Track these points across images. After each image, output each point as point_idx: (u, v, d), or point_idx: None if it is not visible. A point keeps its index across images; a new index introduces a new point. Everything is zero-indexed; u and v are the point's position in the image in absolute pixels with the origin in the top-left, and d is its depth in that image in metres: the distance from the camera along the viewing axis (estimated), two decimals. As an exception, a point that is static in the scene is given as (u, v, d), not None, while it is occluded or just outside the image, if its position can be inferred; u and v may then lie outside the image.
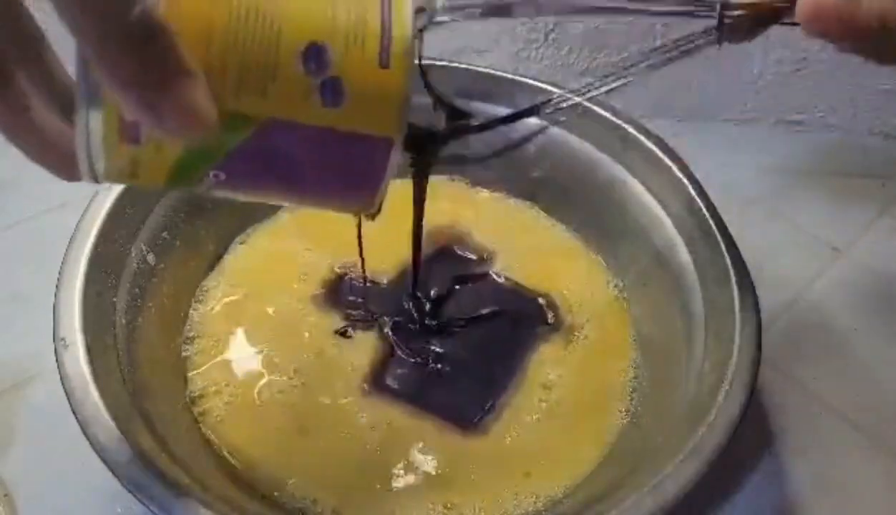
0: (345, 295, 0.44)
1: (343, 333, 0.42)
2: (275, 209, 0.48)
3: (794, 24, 0.28)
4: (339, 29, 0.24)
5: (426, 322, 0.43)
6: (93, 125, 0.23)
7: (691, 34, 0.30)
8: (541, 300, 0.45)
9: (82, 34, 0.20)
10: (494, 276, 0.46)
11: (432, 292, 0.44)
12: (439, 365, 0.41)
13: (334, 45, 0.24)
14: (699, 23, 0.30)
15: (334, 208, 0.28)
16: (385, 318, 0.43)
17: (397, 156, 0.26)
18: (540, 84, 0.48)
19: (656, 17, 0.30)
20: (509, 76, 0.48)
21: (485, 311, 0.44)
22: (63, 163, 0.25)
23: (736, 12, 0.29)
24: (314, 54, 0.24)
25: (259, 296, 0.44)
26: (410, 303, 0.43)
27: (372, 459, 0.38)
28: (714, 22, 0.29)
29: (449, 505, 0.36)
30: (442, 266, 0.46)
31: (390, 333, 0.42)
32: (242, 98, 0.23)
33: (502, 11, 0.31)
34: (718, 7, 0.29)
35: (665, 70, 0.58)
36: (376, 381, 0.40)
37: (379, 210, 0.28)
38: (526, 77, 0.48)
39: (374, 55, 0.24)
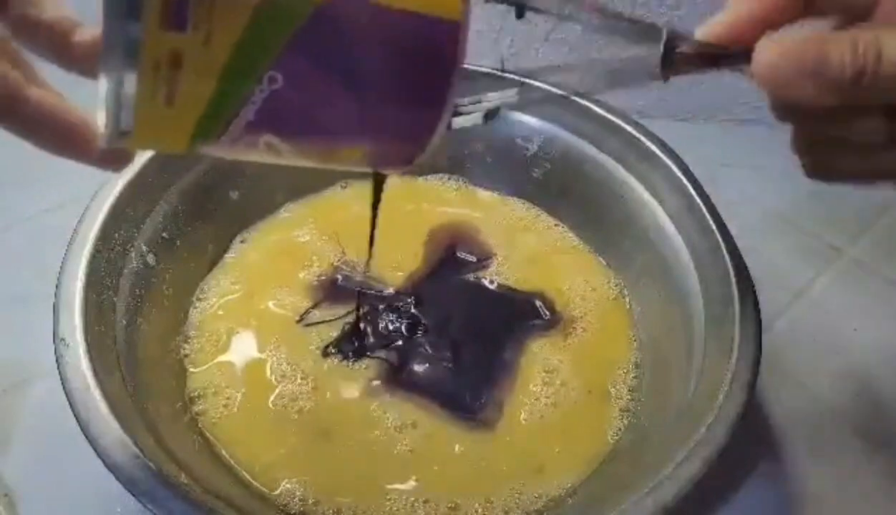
0: (345, 298, 0.44)
1: (337, 349, 0.42)
2: (275, 207, 0.48)
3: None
4: None
5: (425, 329, 0.43)
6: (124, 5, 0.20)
7: (636, 64, 0.28)
8: (537, 301, 0.45)
9: None
10: (493, 279, 0.46)
11: (433, 300, 0.45)
12: (442, 365, 0.41)
13: None
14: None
15: (391, 140, 0.26)
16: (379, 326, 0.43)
17: (464, 49, 0.24)
18: (540, 84, 0.48)
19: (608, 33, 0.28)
20: (509, 76, 0.48)
21: (483, 314, 0.44)
22: (73, 129, 0.24)
23: (682, 49, 0.26)
24: None
25: (260, 295, 0.44)
26: (411, 315, 0.44)
27: (374, 459, 0.38)
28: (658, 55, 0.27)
29: (451, 506, 0.36)
30: (442, 270, 0.46)
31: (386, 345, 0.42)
32: None
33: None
34: (663, 42, 0.26)
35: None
36: (380, 381, 0.40)
37: (429, 152, 0.26)
38: (526, 77, 0.48)
39: None
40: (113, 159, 0.26)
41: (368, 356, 0.41)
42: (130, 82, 0.21)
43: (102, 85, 0.21)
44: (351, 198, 0.49)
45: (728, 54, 0.27)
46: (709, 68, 0.27)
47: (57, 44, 0.26)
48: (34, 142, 0.25)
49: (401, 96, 0.24)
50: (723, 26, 0.27)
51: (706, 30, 0.27)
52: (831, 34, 0.25)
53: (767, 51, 0.25)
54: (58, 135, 0.25)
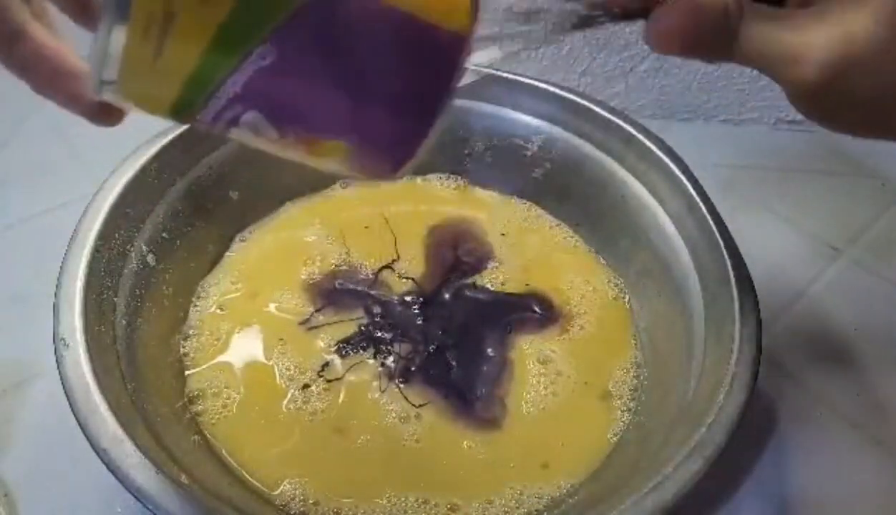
0: (346, 300, 0.44)
1: (344, 349, 0.42)
2: (275, 207, 0.48)
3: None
4: None
5: (428, 329, 0.43)
6: None
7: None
8: (537, 300, 0.45)
9: None
10: (493, 279, 0.46)
11: (434, 301, 0.45)
12: (446, 365, 0.41)
13: None
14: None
15: (377, 144, 0.25)
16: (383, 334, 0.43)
17: (464, 66, 0.24)
18: (540, 84, 0.48)
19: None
20: (509, 76, 0.48)
21: (483, 314, 0.44)
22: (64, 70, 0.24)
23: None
24: None
25: (261, 295, 0.44)
26: (413, 316, 0.44)
27: (374, 461, 0.38)
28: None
29: (451, 506, 0.36)
30: (442, 270, 0.46)
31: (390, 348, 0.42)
32: None
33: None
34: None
35: (667, 70, 0.57)
36: (387, 379, 0.41)
37: (413, 163, 0.25)
38: (526, 77, 0.48)
39: None
40: (103, 113, 0.26)
41: (373, 356, 0.41)
42: (120, 31, 0.20)
43: (96, 33, 0.21)
44: (351, 198, 0.49)
45: (630, 15, 0.29)
46: (611, 24, 0.30)
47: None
48: (27, 80, 0.25)
49: (393, 99, 0.24)
50: None
51: None
52: (703, 12, 0.27)
53: (659, 23, 0.28)
54: (51, 77, 0.25)
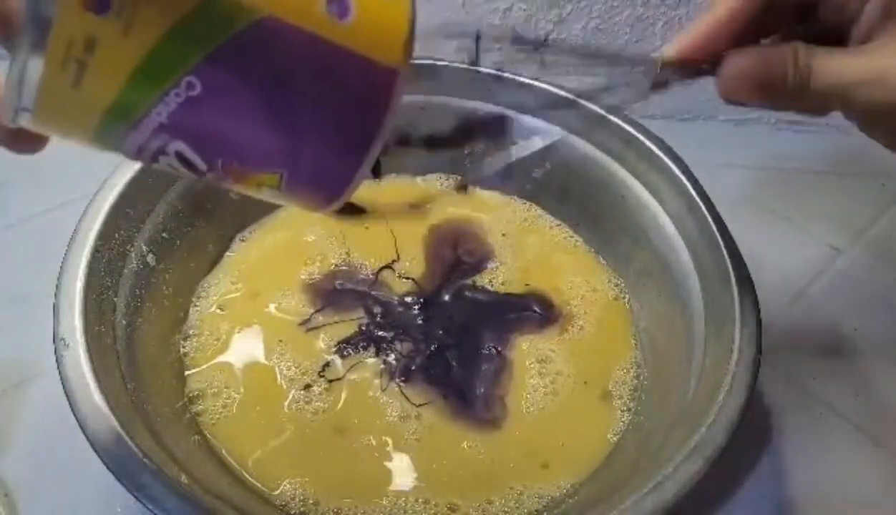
0: (346, 300, 0.44)
1: (345, 349, 0.42)
2: (275, 206, 0.48)
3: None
4: None
5: (428, 330, 0.43)
6: None
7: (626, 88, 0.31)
8: (537, 301, 0.45)
9: None
10: (493, 279, 0.46)
11: (434, 301, 0.45)
12: (446, 365, 0.41)
13: None
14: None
15: (309, 176, 0.24)
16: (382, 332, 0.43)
17: (399, 99, 0.23)
18: (540, 84, 0.48)
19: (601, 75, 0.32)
20: (510, 76, 0.48)
21: (483, 314, 0.44)
22: None
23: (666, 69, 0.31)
24: None
25: (261, 295, 0.44)
26: (413, 317, 0.44)
27: (374, 461, 0.38)
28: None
29: (451, 507, 0.36)
30: (442, 270, 0.46)
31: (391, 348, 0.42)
32: None
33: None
34: (658, 66, 0.30)
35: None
36: (387, 379, 0.41)
37: (349, 194, 0.25)
38: (526, 77, 0.48)
39: None
40: (20, 140, 0.24)
41: (374, 355, 0.41)
42: (38, 58, 0.19)
43: (12, 57, 0.20)
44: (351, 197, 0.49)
45: (700, 71, 0.30)
46: (683, 82, 0.31)
47: None
48: None
49: (325, 132, 0.23)
50: (690, 40, 0.30)
51: (676, 46, 0.30)
52: (773, 53, 0.29)
53: (730, 67, 0.30)
54: None
